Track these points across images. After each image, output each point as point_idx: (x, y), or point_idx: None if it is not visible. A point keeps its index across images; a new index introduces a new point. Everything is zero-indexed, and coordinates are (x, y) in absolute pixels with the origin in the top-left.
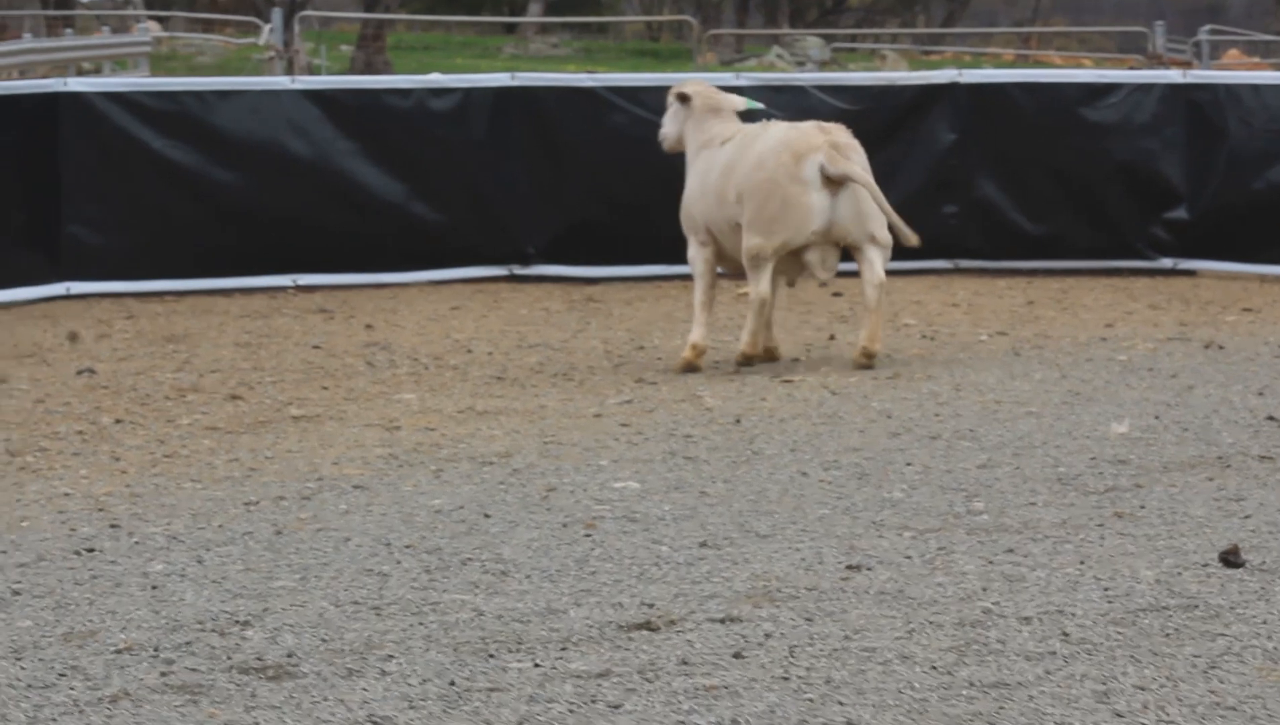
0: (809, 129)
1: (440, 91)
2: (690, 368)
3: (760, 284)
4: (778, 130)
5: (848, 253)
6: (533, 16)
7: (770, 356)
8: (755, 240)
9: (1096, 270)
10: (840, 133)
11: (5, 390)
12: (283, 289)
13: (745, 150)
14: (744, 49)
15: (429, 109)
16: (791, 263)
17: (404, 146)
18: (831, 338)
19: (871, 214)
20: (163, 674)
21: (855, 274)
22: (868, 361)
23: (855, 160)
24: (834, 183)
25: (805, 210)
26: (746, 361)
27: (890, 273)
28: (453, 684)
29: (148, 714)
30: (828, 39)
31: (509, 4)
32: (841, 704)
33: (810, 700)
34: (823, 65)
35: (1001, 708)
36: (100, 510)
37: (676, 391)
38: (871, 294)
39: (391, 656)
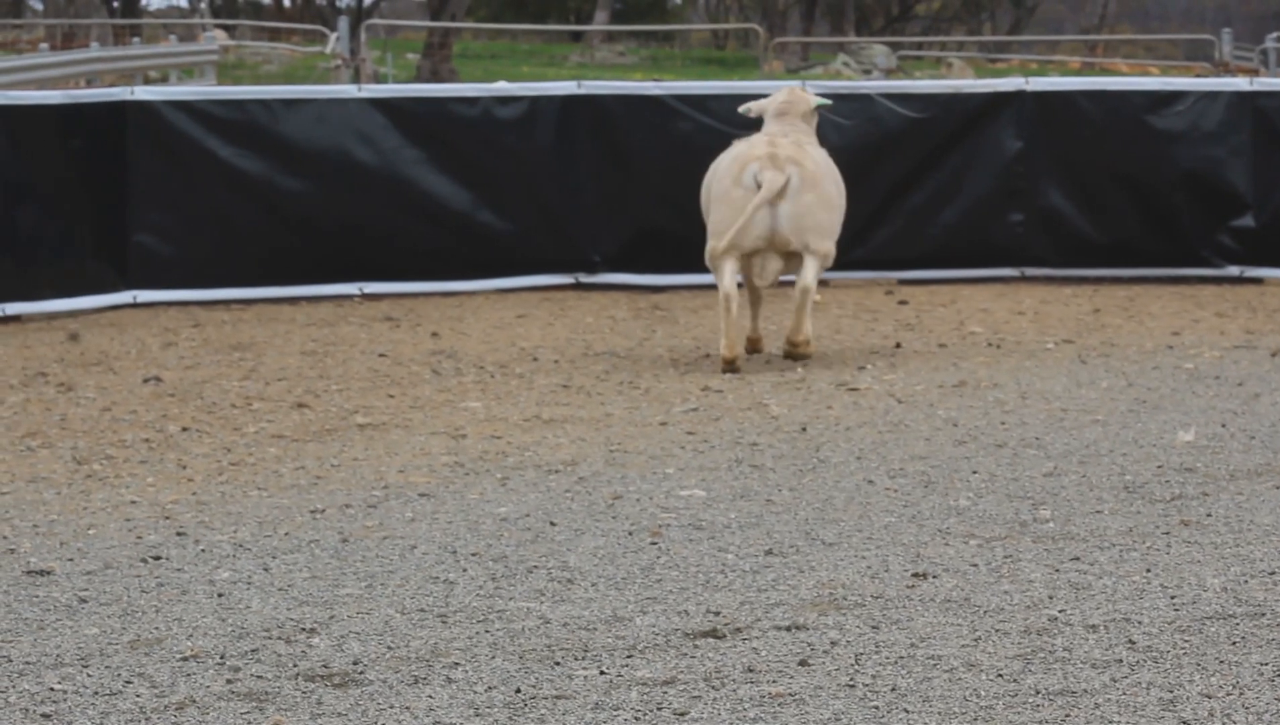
0: (759, 140)
1: (506, 100)
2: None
3: (722, 283)
4: (741, 142)
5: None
6: (599, 25)
7: (754, 347)
8: (710, 243)
9: (1163, 278)
10: (787, 147)
11: (73, 398)
12: (349, 297)
13: (719, 161)
14: (810, 57)
15: (495, 117)
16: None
17: (470, 155)
18: (898, 346)
19: (812, 227)
20: (229, 681)
21: (920, 282)
22: (793, 350)
23: (791, 173)
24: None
25: (750, 215)
26: (729, 367)
27: (956, 281)
28: (518, 691)
29: (213, 721)
30: (894, 47)
31: (575, 12)
32: (907, 712)
33: (876, 708)
34: (889, 73)
35: (1068, 715)
36: (167, 518)
37: (742, 400)
38: (796, 295)
39: (457, 664)
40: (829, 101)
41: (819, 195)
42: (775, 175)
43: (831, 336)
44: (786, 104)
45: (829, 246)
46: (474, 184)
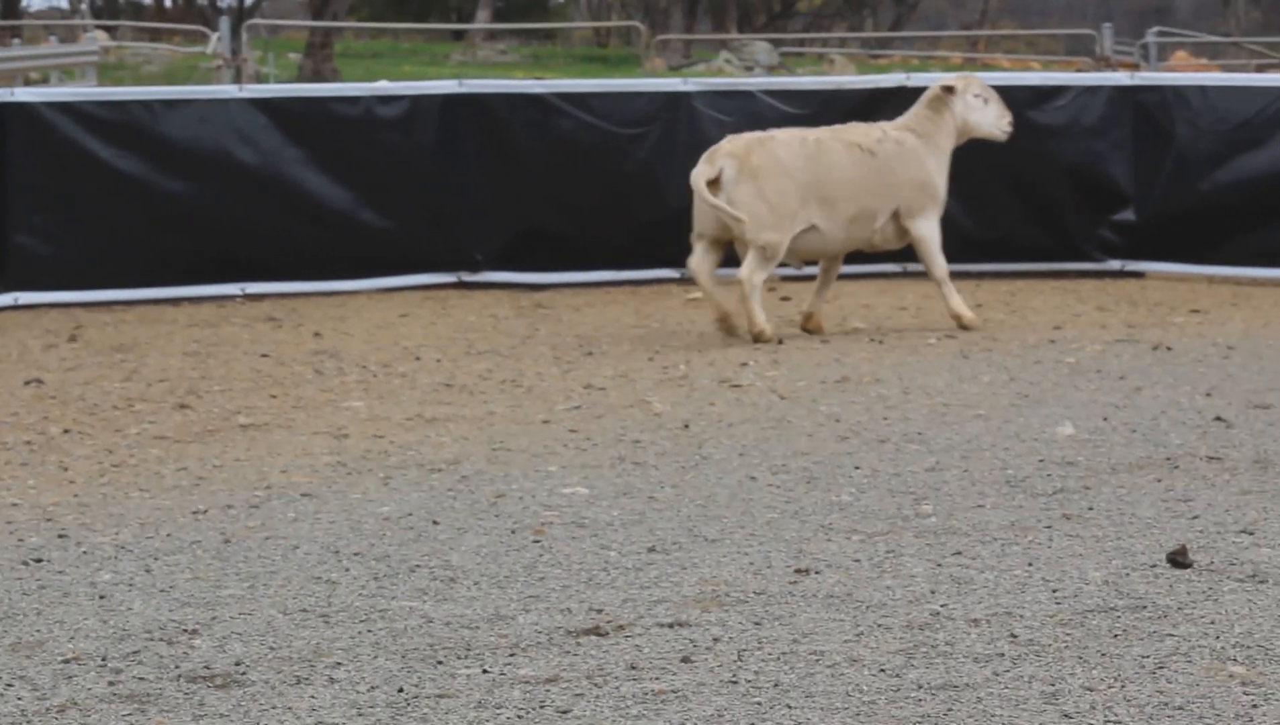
0: (728, 138)
1: (388, 99)
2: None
3: (690, 262)
4: None
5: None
6: (481, 23)
7: (724, 323)
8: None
9: (1045, 272)
10: (734, 143)
11: None
12: (231, 298)
13: None
14: (692, 54)
15: (377, 116)
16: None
17: (352, 154)
18: (780, 342)
19: (752, 216)
20: (110, 683)
21: (803, 279)
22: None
23: (723, 165)
24: (713, 184)
25: (697, 207)
26: (726, 327)
27: (838, 276)
28: (401, 691)
29: (95, 723)
30: (776, 43)
31: (456, 11)
32: (790, 707)
33: (758, 704)
34: (771, 70)
35: (950, 709)
36: (48, 520)
37: (625, 397)
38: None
39: (340, 664)
40: (955, 85)
41: (756, 188)
42: (704, 168)
43: (713, 333)
44: (930, 92)
45: (769, 238)
46: (356, 183)
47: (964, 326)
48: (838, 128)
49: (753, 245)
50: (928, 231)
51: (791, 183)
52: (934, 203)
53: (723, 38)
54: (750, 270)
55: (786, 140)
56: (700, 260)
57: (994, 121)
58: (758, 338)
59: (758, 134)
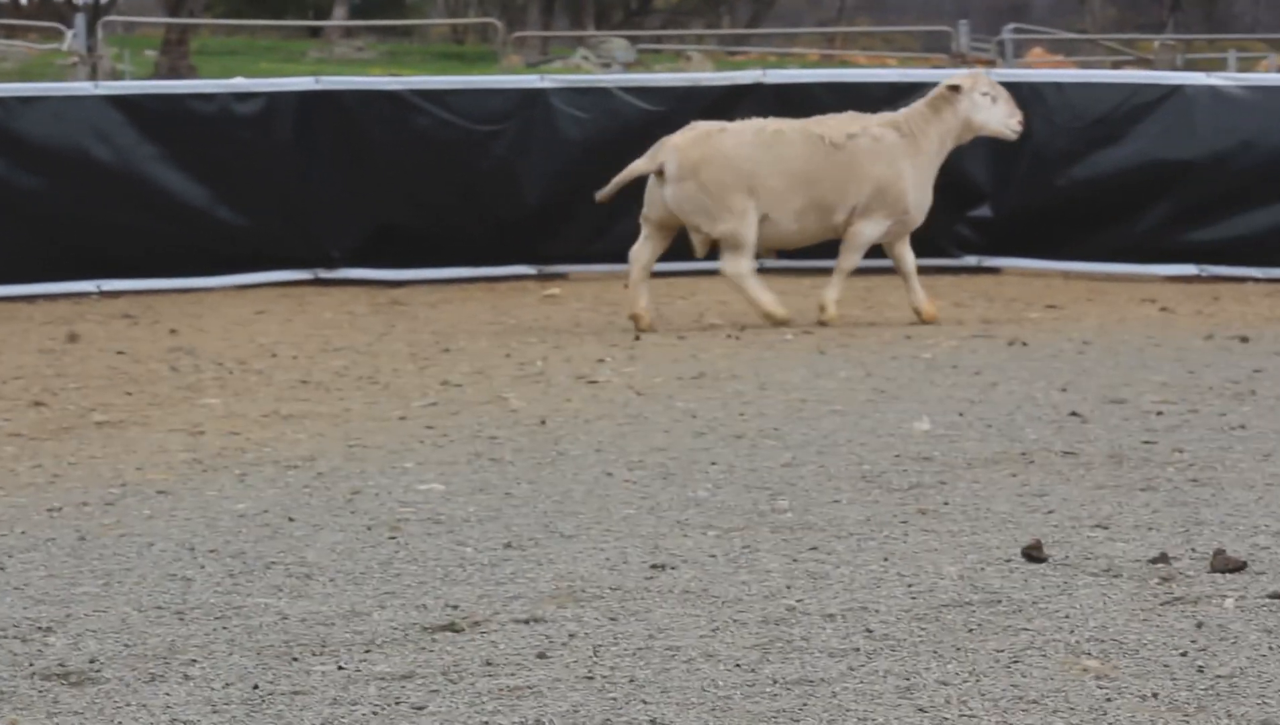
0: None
1: (244, 96)
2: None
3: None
4: None
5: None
6: (337, 20)
7: (635, 321)
8: None
9: None
10: (682, 136)
11: None
12: (87, 295)
13: None
14: (549, 51)
15: (233, 113)
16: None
17: (208, 151)
18: (637, 338)
19: (693, 211)
20: None
21: (660, 274)
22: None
23: (666, 160)
24: (659, 175)
25: (648, 189)
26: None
27: (696, 273)
28: (256, 688)
29: None
30: (633, 40)
31: (313, 8)
32: (645, 703)
33: (614, 699)
34: (628, 66)
35: (805, 704)
36: None
37: (481, 394)
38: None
39: (194, 661)
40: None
41: (699, 182)
42: (641, 162)
43: (571, 329)
44: (936, 90)
45: (724, 229)
46: (212, 180)
47: (823, 321)
48: (820, 118)
49: (719, 238)
50: (869, 231)
51: (732, 174)
52: (887, 207)
53: (580, 35)
54: (727, 262)
55: (738, 130)
56: (640, 247)
57: (1002, 120)
58: (772, 322)
59: (709, 125)
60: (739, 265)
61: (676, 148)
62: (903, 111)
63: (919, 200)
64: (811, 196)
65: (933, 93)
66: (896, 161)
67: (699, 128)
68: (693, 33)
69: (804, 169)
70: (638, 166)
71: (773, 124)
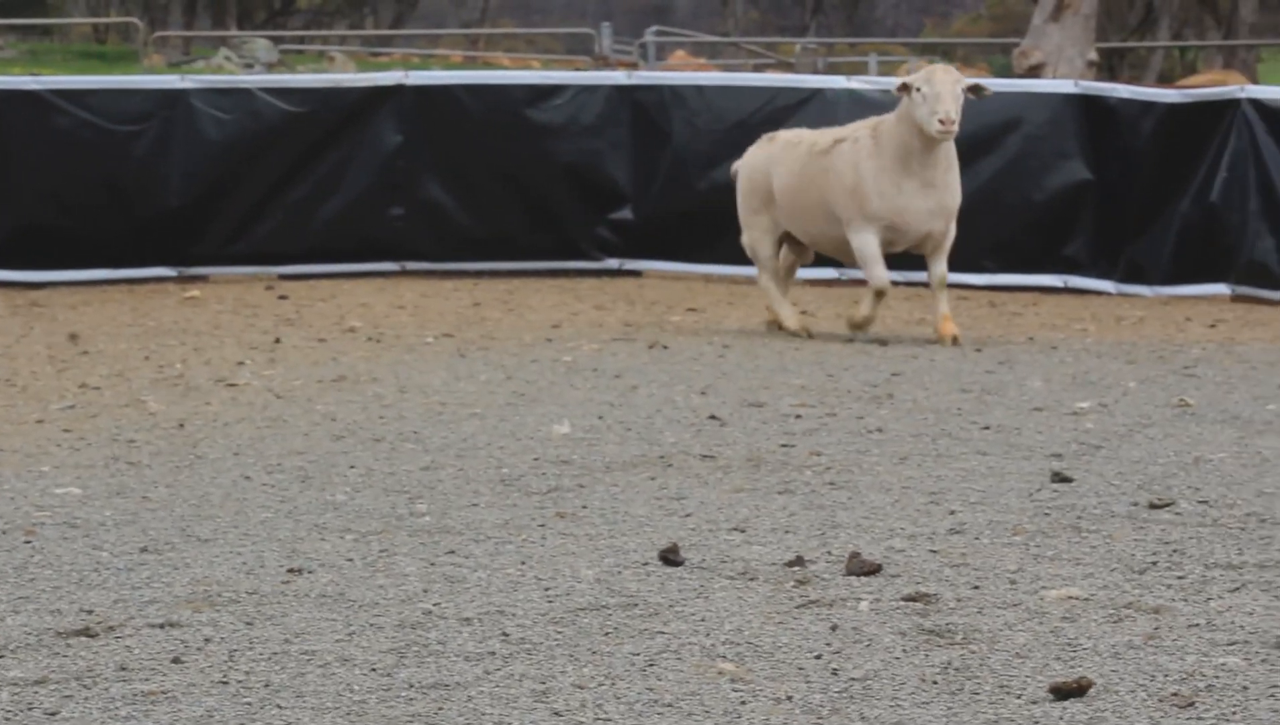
0: None
1: None
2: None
3: None
4: None
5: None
6: None
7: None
8: None
9: (543, 271)
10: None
11: None
12: None
13: None
14: (191, 51)
15: None
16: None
17: None
18: (278, 341)
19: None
20: None
21: (301, 277)
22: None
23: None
24: None
25: None
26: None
27: (337, 276)
28: None
29: None
30: (276, 40)
31: None
32: (280, 707)
33: (249, 704)
34: (271, 67)
35: (440, 708)
36: None
37: (120, 397)
38: None
39: None
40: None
41: (738, 192)
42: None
43: (211, 332)
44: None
45: (745, 239)
46: None
47: (856, 325)
48: (841, 127)
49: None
50: (857, 242)
51: (751, 185)
52: (861, 212)
53: (223, 35)
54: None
55: (764, 141)
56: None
57: (925, 116)
58: (792, 333)
59: (777, 134)
60: (761, 279)
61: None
62: (887, 115)
63: (891, 205)
64: (799, 207)
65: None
66: (861, 165)
67: (763, 137)
68: (336, 33)
69: (793, 183)
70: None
71: (797, 134)
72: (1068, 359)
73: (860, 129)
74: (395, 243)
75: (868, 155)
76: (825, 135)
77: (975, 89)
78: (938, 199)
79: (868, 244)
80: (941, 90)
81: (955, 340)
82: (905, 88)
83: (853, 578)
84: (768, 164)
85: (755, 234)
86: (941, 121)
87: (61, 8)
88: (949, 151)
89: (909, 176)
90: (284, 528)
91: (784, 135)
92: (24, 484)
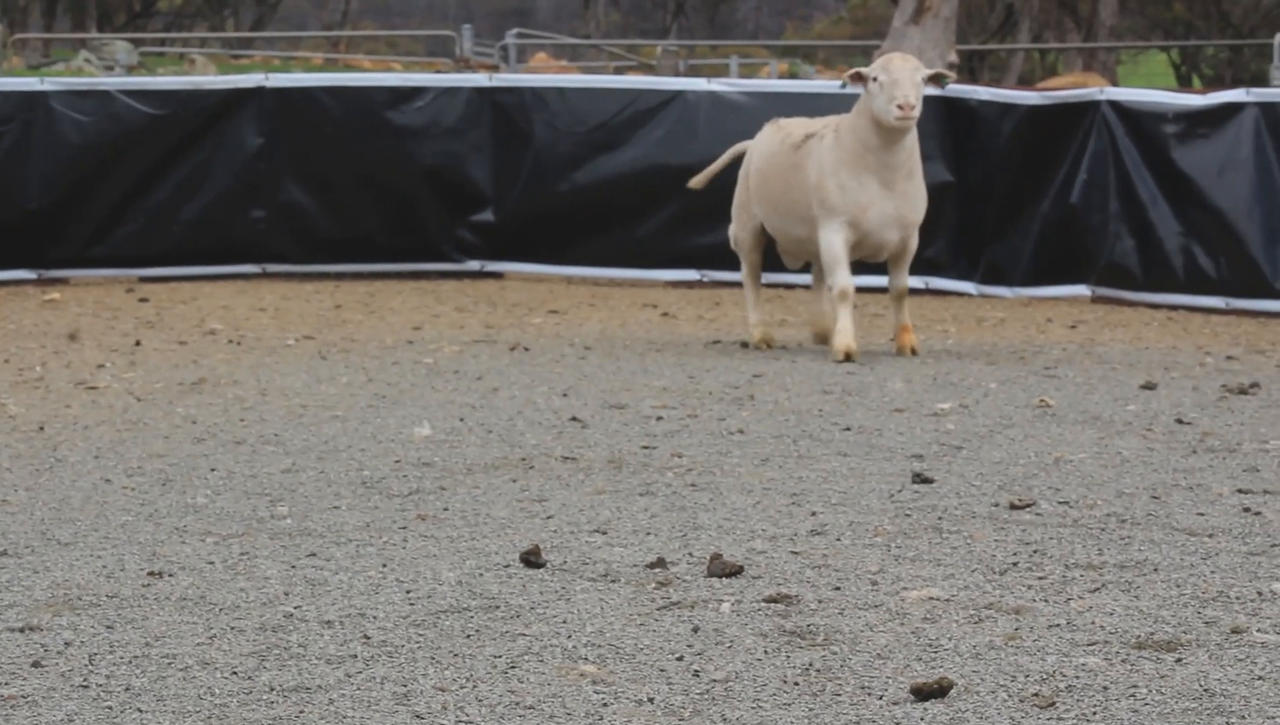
0: None
1: None
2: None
3: None
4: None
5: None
6: None
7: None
8: None
9: (404, 273)
10: None
11: None
12: None
13: None
14: (51, 53)
15: None
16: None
17: None
18: (138, 344)
19: None
20: None
21: (161, 280)
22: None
23: None
24: None
25: None
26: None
27: (198, 278)
28: None
29: None
30: (136, 43)
31: None
32: (140, 711)
33: (109, 708)
34: (131, 69)
35: (302, 711)
36: None
37: None
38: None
39: None
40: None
41: None
42: None
43: (71, 334)
44: None
45: (731, 231)
46: None
47: (845, 356)
48: (815, 121)
49: None
50: (822, 240)
51: (742, 178)
52: (824, 209)
53: (83, 37)
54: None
55: (767, 127)
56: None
57: (883, 106)
58: (753, 344)
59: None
60: (742, 272)
61: None
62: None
63: (854, 200)
64: (774, 204)
65: None
66: (824, 160)
67: (769, 123)
68: (197, 35)
69: (769, 177)
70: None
71: (786, 125)
72: (929, 360)
73: (828, 124)
74: (256, 245)
75: (829, 149)
76: (800, 129)
77: (937, 78)
78: (897, 206)
79: (833, 244)
80: (899, 76)
81: (914, 351)
82: (859, 78)
83: (714, 579)
84: (750, 160)
85: (736, 226)
86: (900, 107)
87: None
88: (911, 156)
89: (869, 173)
90: (144, 531)
91: (783, 122)
92: None
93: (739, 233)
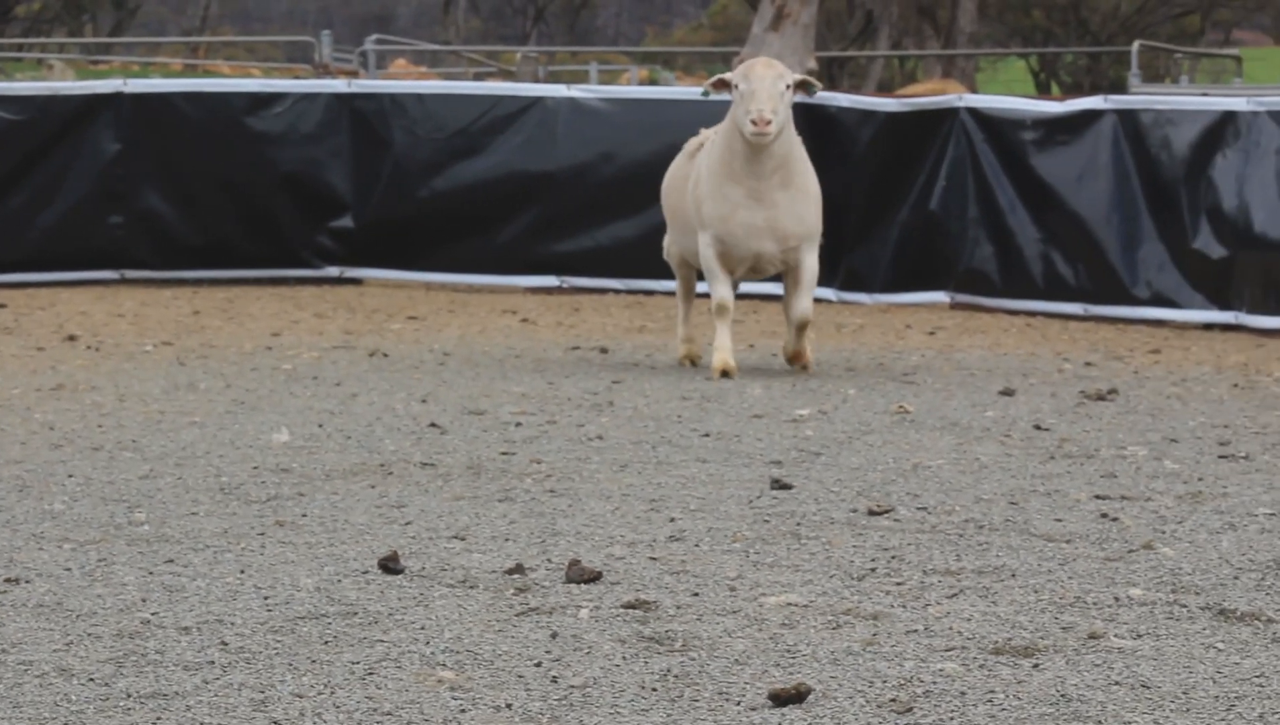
0: None
1: None
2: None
3: None
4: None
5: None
6: None
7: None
8: None
9: (264, 279)
10: None
11: None
12: None
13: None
14: None
15: None
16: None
17: None
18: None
19: None
20: None
21: (19, 286)
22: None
23: None
24: None
25: None
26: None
27: (56, 284)
28: None
29: None
30: None
31: None
32: None
33: None
34: None
35: (159, 718)
36: None
37: None
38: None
39: None
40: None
41: None
42: None
43: None
44: None
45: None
46: None
47: (723, 373)
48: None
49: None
50: (700, 252)
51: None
52: (698, 219)
53: None
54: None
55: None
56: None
57: (740, 117)
58: (678, 360)
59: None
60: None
61: None
62: None
63: (717, 211)
64: (677, 216)
65: None
66: (700, 168)
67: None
68: (55, 41)
69: (671, 188)
70: None
71: (703, 134)
72: (788, 366)
73: (714, 131)
74: (114, 251)
75: (704, 158)
76: (702, 138)
77: (804, 85)
78: (766, 216)
79: (706, 257)
80: (758, 87)
81: (805, 367)
82: (723, 84)
83: (572, 585)
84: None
85: (667, 240)
86: (754, 122)
87: None
88: (785, 165)
89: (734, 182)
90: (1, 537)
91: (705, 132)
92: None
93: (669, 246)
